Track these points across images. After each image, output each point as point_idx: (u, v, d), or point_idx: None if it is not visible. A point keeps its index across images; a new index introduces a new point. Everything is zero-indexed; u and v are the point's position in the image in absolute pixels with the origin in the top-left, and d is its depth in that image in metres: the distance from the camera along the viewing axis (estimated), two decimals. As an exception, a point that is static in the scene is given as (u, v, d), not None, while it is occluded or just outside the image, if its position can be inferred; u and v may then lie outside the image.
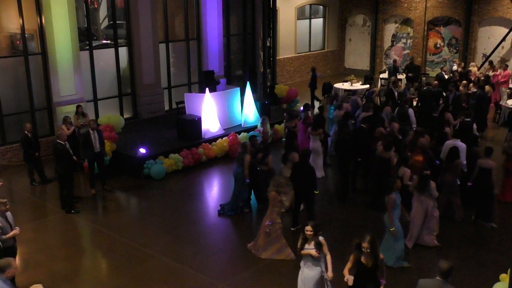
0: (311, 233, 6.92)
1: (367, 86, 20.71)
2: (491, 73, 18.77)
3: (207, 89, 14.69)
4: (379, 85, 21.74)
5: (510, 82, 18.84)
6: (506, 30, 21.73)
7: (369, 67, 26.28)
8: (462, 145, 10.83)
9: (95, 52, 15.69)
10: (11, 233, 7.70)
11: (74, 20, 14.50)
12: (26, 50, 14.15)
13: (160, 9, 17.18)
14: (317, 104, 18.41)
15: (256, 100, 16.30)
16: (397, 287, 8.29)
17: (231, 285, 8.44)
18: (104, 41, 16.88)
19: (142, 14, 16.24)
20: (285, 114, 13.93)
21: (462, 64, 20.92)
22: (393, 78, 18.80)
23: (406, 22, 25.06)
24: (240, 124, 15.82)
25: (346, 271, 6.58)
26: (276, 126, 15.93)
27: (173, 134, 14.67)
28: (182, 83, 18.33)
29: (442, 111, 13.78)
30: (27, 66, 14.18)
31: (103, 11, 17.15)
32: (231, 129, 15.29)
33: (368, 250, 6.30)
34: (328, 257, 6.99)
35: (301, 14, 25.28)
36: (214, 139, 14.59)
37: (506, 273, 7.24)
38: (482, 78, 18.24)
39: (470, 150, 10.92)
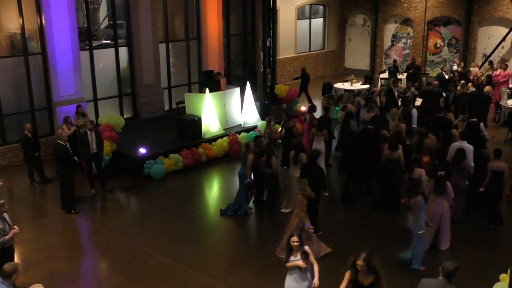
0: (298, 244, 6.58)
1: (367, 86, 20.73)
2: (491, 73, 18.75)
3: (207, 89, 14.70)
4: (379, 85, 21.74)
5: (510, 82, 18.83)
6: (506, 30, 21.73)
7: (369, 67, 26.29)
8: (469, 147, 10.69)
9: (95, 52, 15.69)
10: (11, 233, 7.75)
11: (74, 20, 14.50)
12: (26, 50, 14.15)
13: (160, 9, 17.18)
14: (304, 107, 18.12)
15: (256, 100, 16.30)
16: (398, 286, 8.30)
17: (231, 285, 8.44)
18: (104, 41, 16.89)
19: (142, 14, 16.24)
20: (284, 115, 13.91)
21: (462, 64, 20.91)
22: (392, 79, 18.78)
23: (406, 22, 25.06)
24: (240, 124, 15.82)
25: None
26: (276, 126, 15.90)
27: (173, 134, 14.67)
28: (182, 83, 18.33)
29: (447, 112, 13.53)
30: (27, 66, 14.17)
31: (103, 11, 17.15)
32: (231, 129, 15.29)
33: (363, 268, 5.95)
34: (315, 266, 6.71)
35: (301, 14, 25.27)
36: (214, 139, 14.60)
37: (506, 273, 7.23)
38: (482, 78, 18.24)
39: (478, 152, 10.73)
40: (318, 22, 26.51)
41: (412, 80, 18.79)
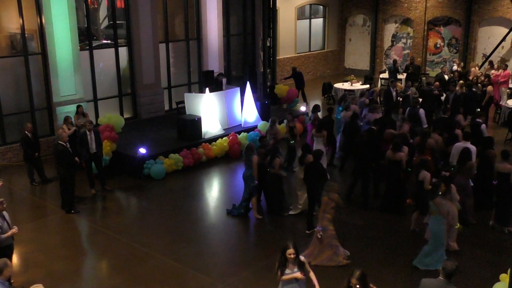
0: (294, 256, 6.24)
1: (367, 86, 20.74)
2: (492, 73, 18.74)
3: (207, 89, 14.70)
4: (379, 85, 21.74)
5: (510, 82, 18.83)
6: (506, 30, 21.73)
7: (369, 67, 26.28)
8: (472, 147, 10.65)
9: (95, 52, 15.69)
10: (9, 232, 7.76)
11: (74, 20, 14.50)
12: (26, 50, 14.15)
13: (160, 9, 17.18)
14: (304, 107, 18.05)
15: (256, 100, 16.30)
16: (399, 286, 8.30)
17: (231, 285, 8.44)
18: (104, 41, 16.89)
19: (142, 14, 16.24)
20: (288, 114, 13.89)
21: (462, 64, 20.92)
22: (391, 79, 18.77)
23: (406, 22, 25.06)
24: (240, 124, 15.82)
25: None
26: (281, 126, 15.86)
27: (173, 134, 14.67)
28: (182, 83, 18.33)
29: (453, 112, 13.43)
30: (27, 66, 14.18)
31: (103, 11, 17.15)
32: (231, 129, 15.29)
33: (358, 286, 5.84)
34: (312, 274, 6.50)
35: (301, 14, 25.27)
36: (214, 139, 14.59)
37: (506, 273, 7.23)
38: (482, 77, 18.22)
39: (484, 153, 10.66)
40: (318, 22, 26.51)
41: (412, 80, 18.78)
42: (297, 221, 10.63)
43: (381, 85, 21.51)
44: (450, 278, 5.90)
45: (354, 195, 11.39)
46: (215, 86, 15.34)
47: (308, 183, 9.99)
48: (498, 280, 7.31)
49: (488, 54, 22.04)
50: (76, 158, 11.48)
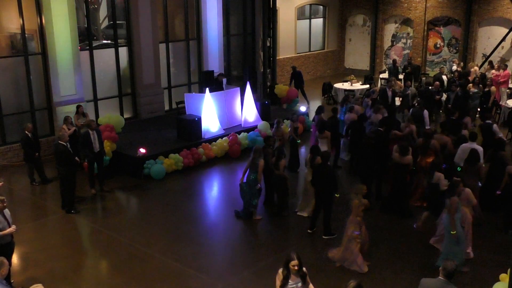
0: (298, 267, 6.05)
1: (367, 86, 20.74)
2: (492, 72, 18.74)
3: (207, 89, 14.70)
4: (379, 85, 21.74)
5: (510, 82, 18.84)
6: (506, 30, 21.73)
7: (369, 67, 26.28)
8: (479, 148, 10.60)
9: (95, 52, 15.69)
10: (7, 231, 7.75)
11: (74, 20, 14.50)
12: (26, 50, 14.15)
13: (160, 9, 17.18)
14: (304, 107, 18.00)
15: (256, 100, 16.30)
16: (399, 286, 8.30)
17: (231, 285, 8.44)
18: (104, 41, 16.89)
19: (142, 14, 16.25)
20: (293, 115, 13.84)
21: (462, 64, 20.92)
22: (393, 78, 18.76)
23: (406, 22, 25.06)
24: (240, 124, 15.82)
25: None
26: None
27: (173, 134, 14.68)
28: (182, 83, 18.34)
29: (461, 114, 13.31)
30: (27, 66, 14.18)
31: (103, 11, 17.15)
32: (231, 129, 15.29)
33: None
34: (311, 286, 6.30)
35: (301, 14, 25.28)
36: (214, 139, 14.60)
37: (506, 273, 7.24)
38: (477, 78, 18.22)
39: (496, 154, 10.58)
40: (318, 22, 26.51)
41: (410, 80, 18.72)
42: (297, 222, 10.64)
43: (381, 85, 21.49)
44: (450, 278, 5.91)
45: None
46: (215, 86, 15.34)
47: (315, 186, 9.91)
48: (498, 280, 7.32)
49: (488, 54, 22.05)
50: (77, 158, 11.48)
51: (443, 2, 23.53)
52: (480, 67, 21.09)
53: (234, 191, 11.56)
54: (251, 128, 15.52)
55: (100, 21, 17.26)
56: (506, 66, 19.74)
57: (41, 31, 14.17)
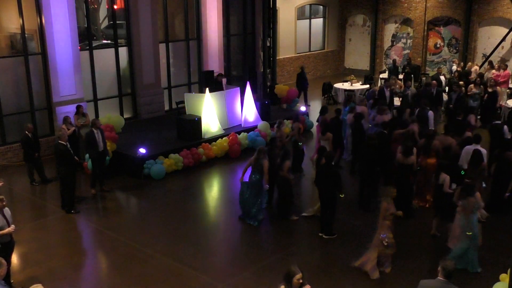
0: (301, 281, 5.85)
1: (367, 86, 20.73)
2: (492, 72, 18.72)
3: (207, 89, 14.70)
4: (379, 85, 21.72)
5: (510, 82, 18.83)
6: (506, 30, 21.73)
7: (369, 67, 26.28)
8: (483, 150, 10.57)
9: (95, 52, 15.69)
10: (6, 230, 7.74)
11: (74, 20, 14.50)
12: (26, 50, 14.15)
13: (160, 9, 17.18)
14: (304, 107, 17.94)
15: (256, 100, 16.29)
16: (398, 287, 8.30)
17: (231, 285, 8.44)
18: (104, 41, 16.89)
19: (142, 14, 16.24)
20: (297, 116, 13.78)
21: (462, 64, 20.91)
22: (393, 77, 18.74)
23: (406, 22, 25.06)
24: (240, 124, 15.81)
25: None
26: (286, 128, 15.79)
27: (173, 134, 14.67)
28: (182, 83, 18.33)
29: (466, 115, 13.24)
30: (27, 66, 14.18)
31: (103, 11, 17.15)
32: (231, 129, 15.29)
33: None
34: None
35: (301, 14, 25.27)
36: (214, 139, 14.59)
37: (506, 273, 7.24)
38: (477, 78, 18.21)
39: (502, 155, 10.54)
40: (318, 22, 26.51)
41: (410, 80, 18.69)
42: (297, 222, 10.63)
43: (381, 85, 21.48)
44: (449, 278, 5.88)
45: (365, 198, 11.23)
46: (215, 86, 15.34)
47: (319, 186, 9.87)
48: (498, 280, 7.32)
49: (488, 54, 22.04)
50: (77, 158, 11.48)
51: (443, 2, 23.53)
52: (480, 67, 21.07)
53: (234, 191, 11.56)
54: (251, 128, 15.52)
55: (100, 21, 17.25)
56: (506, 66, 19.73)
57: (41, 31, 14.17)
